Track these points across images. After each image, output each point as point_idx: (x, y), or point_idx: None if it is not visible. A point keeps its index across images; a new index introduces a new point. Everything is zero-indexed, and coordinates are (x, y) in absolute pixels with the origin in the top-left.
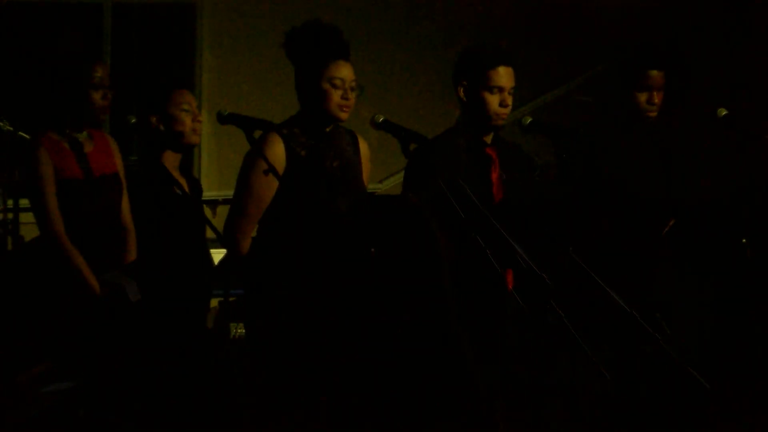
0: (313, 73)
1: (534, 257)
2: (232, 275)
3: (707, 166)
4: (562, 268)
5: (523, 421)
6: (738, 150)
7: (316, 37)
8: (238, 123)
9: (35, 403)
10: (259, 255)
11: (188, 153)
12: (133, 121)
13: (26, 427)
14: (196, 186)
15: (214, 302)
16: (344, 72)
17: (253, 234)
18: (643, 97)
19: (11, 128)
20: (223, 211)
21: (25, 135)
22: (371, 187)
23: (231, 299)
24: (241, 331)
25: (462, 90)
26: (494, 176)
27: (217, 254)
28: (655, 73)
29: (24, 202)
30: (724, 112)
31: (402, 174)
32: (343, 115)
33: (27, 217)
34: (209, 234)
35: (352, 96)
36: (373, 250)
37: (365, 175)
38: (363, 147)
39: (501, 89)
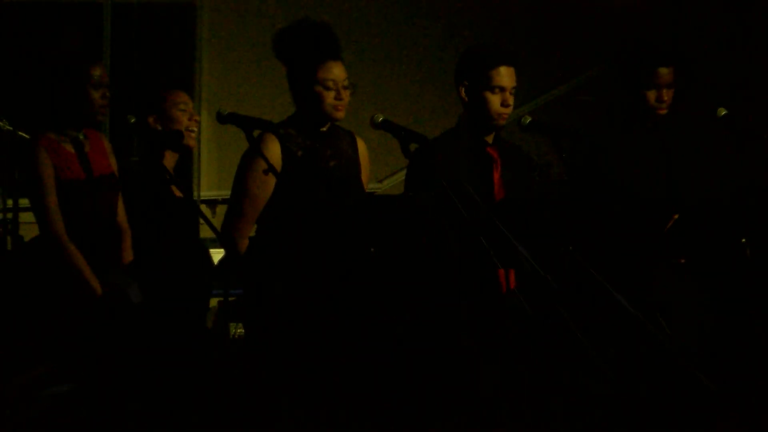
0: (305, 74)
1: (536, 257)
2: (231, 275)
3: (708, 166)
4: (563, 268)
5: (523, 421)
6: (738, 150)
7: (303, 39)
8: (237, 123)
9: (34, 405)
10: (257, 255)
11: (187, 153)
12: (133, 120)
13: (26, 428)
14: (188, 187)
15: (213, 302)
16: (335, 72)
17: (252, 234)
18: (652, 95)
19: (11, 128)
20: (222, 210)
21: (24, 135)
22: (371, 186)
23: (231, 299)
24: (241, 331)
25: (464, 90)
26: (496, 176)
27: (217, 254)
28: (664, 70)
29: (24, 202)
30: (723, 111)
31: (402, 174)
32: (339, 115)
33: (27, 217)
34: (209, 234)
35: (345, 95)
36: (373, 249)
37: (365, 175)
38: (362, 147)
39: (502, 89)
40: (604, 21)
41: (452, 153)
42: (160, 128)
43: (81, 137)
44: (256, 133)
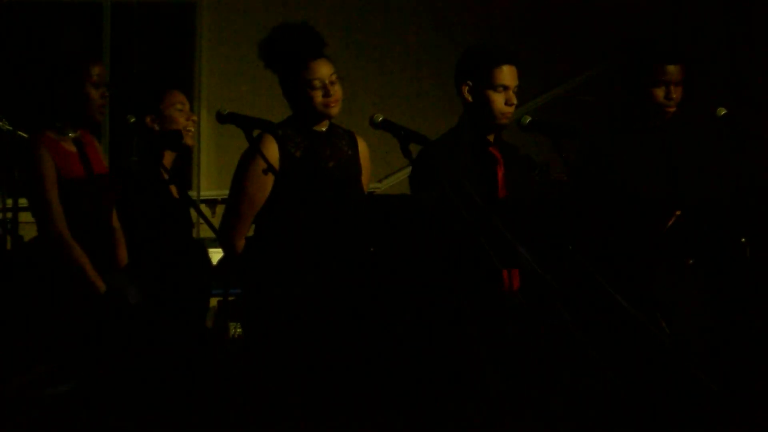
0: (292, 78)
1: (539, 257)
2: (231, 275)
3: (709, 167)
4: (564, 268)
5: (523, 421)
6: (738, 150)
7: (286, 42)
8: (237, 122)
9: (34, 405)
10: (255, 254)
11: (186, 152)
12: (132, 120)
13: (26, 428)
14: (182, 184)
15: (213, 302)
16: (321, 71)
17: (250, 233)
18: (660, 93)
19: (10, 127)
20: (222, 210)
21: (24, 134)
22: (371, 186)
23: (230, 299)
24: (241, 330)
25: (466, 89)
26: (500, 175)
27: (216, 254)
28: (672, 67)
29: (24, 202)
30: (723, 111)
31: (401, 174)
32: (332, 111)
33: (26, 217)
34: (209, 233)
35: (334, 90)
36: (372, 249)
37: (365, 175)
38: (362, 147)
39: (506, 88)
40: (604, 21)
41: (455, 153)
42: (157, 128)
43: (77, 136)
44: (255, 133)
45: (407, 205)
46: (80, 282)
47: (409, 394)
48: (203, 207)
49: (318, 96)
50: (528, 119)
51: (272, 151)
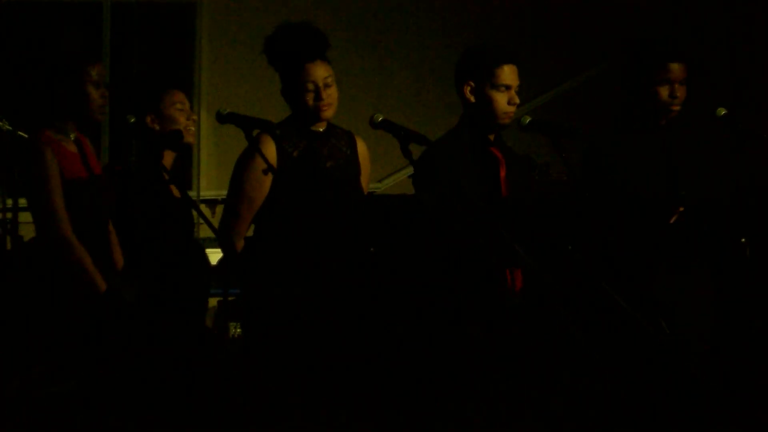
0: (290, 77)
1: (540, 256)
2: (230, 275)
3: (710, 167)
4: (564, 268)
5: (524, 422)
6: (738, 150)
7: (287, 41)
8: (237, 122)
9: (34, 405)
10: (254, 255)
11: (186, 152)
12: (132, 120)
13: (26, 428)
14: (182, 184)
15: (213, 302)
16: (316, 73)
17: (250, 233)
18: (665, 91)
19: (10, 128)
20: (221, 210)
21: (23, 134)
22: (371, 186)
23: (230, 299)
24: (240, 330)
25: (468, 90)
26: (502, 175)
27: (216, 254)
28: (676, 66)
29: (24, 202)
30: (723, 111)
31: (402, 173)
32: (325, 114)
33: (26, 217)
34: (208, 233)
35: (327, 93)
36: (372, 249)
37: (365, 176)
38: (361, 147)
39: (508, 87)
40: (604, 21)
41: (458, 154)
42: (158, 128)
43: (74, 137)
44: (255, 133)
45: (407, 205)
46: (81, 282)
47: (409, 394)
48: (203, 207)
49: (310, 99)
50: (528, 119)
51: (270, 150)
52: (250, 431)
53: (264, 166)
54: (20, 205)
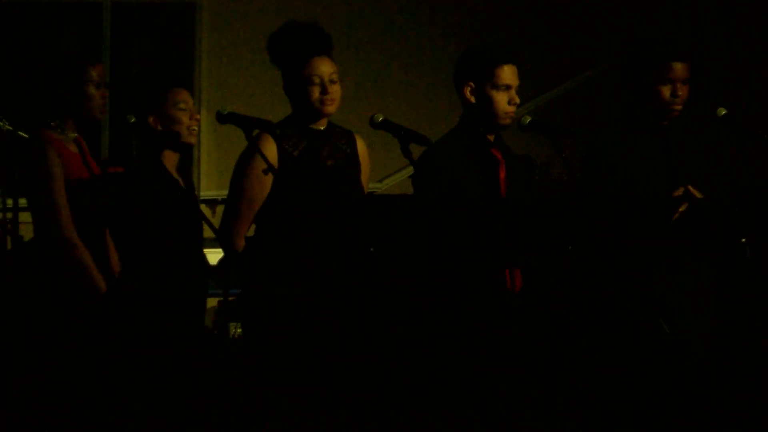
0: (294, 72)
1: (539, 256)
2: (230, 275)
3: (710, 167)
4: (564, 268)
5: (524, 421)
6: (738, 150)
7: (293, 37)
8: (237, 122)
9: (34, 405)
10: (255, 254)
11: (188, 152)
12: (133, 120)
13: (26, 428)
14: (190, 186)
15: (213, 302)
16: (322, 68)
17: (250, 233)
18: (667, 91)
19: (10, 128)
20: (222, 210)
21: (24, 134)
22: (371, 186)
23: (230, 299)
24: (240, 330)
25: (468, 90)
26: (502, 176)
27: (216, 254)
28: (678, 65)
29: (24, 202)
30: (723, 111)
31: (401, 174)
32: (328, 109)
33: (26, 217)
34: (208, 233)
35: (333, 89)
36: (372, 249)
37: (365, 175)
38: (361, 147)
39: (508, 87)
40: (604, 21)
41: (458, 155)
42: (160, 128)
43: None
44: (255, 133)
45: (407, 205)
46: (82, 282)
47: (409, 395)
48: (203, 207)
49: (315, 92)
50: (528, 119)
51: (270, 150)
52: (250, 431)
53: (265, 165)
54: (20, 205)
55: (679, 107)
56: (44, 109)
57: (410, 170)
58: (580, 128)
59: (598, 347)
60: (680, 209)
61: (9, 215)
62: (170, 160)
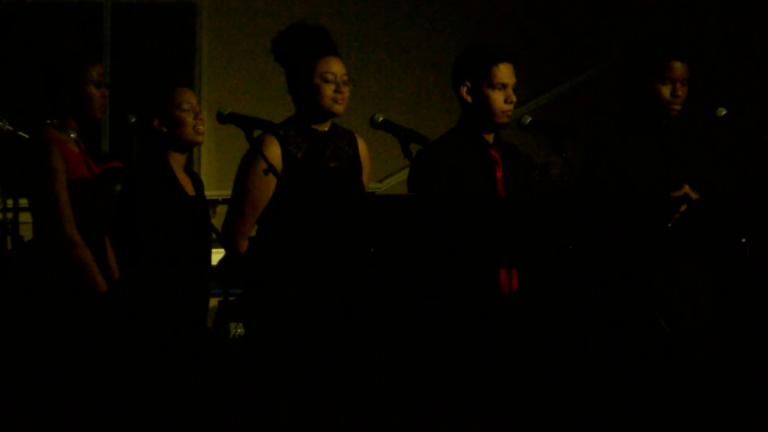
0: (305, 70)
1: (537, 256)
2: (231, 275)
3: (710, 167)
4: (564, 267)
5: (524, 421)
6: (738, 150)
7: (303, 36)
8: (237, 123)
9: (34, 405)
10: (258, 255)
11: (189, 152)
12: (133, 120)
13: (26, 428)
14: (199, 185)
15: (213, 302)
16: (335, 67)
17: (253, 234)
18: (666, 90)
19: (11, 128)
20: (222, 210)
21: (24, 134)
22: (371, 186)
23: (231, 299)
24: (241, 330)
25: (465, 90)
26: (499, 176)
27: (217, 254)
28: (678, 64)
29: (24, 202)
30: (723, 111)
31: (402, 174)
32: (338, 109)
33: (26, 217)
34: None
35: (345, 90)
36: (373, 250)
37: (365, 175)
38: (362, 147)
39: (504, 86)
40: (604, 21)
41: (454, 154)
42: (165, 131)
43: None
44: (256, 133)
45: (407, 205)
46: (83, 281)
47: (410, 394)
48: None
49: (329, 90)
50: (528, 119)
51: (274, 151)
52: (250, 431)
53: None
54: (20, 205)
55: (678, 107)
56: (45, 109)
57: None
58: (580, 128)
59: (597, 347)
60: (680, 209)
61: (9, 215)
62: (177, 161)
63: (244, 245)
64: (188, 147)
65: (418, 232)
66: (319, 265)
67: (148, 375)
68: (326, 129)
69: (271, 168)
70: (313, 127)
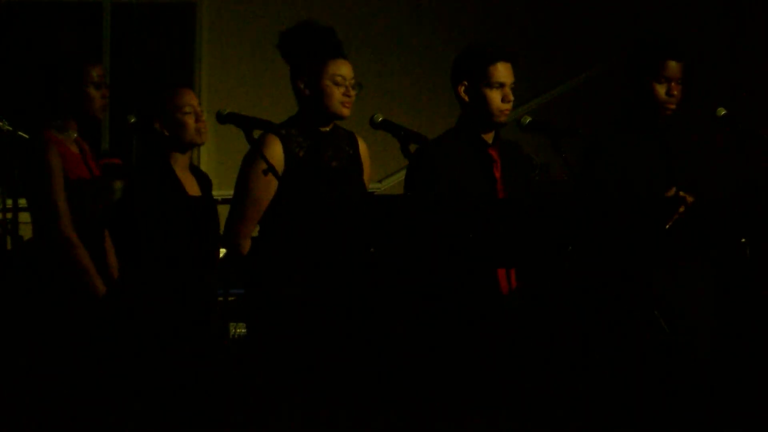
0: (314, 71)
1: (537, 256)
2: (232, 275)
3: (709, 167)
4: (563, 267)
5: (523, 421)
6: (738, 150)
7: (314, 37)
8: (237, 123)
9: (34, 405)
10: (260, 255)
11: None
12: (133, 120)
13: (26, 428)
14: (206, 184)
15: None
16: (345, 70)
17: (254, 234)
18: (662, 89)
19: (10, 128)
20: (222, 210)
21: (24, 134)
22: (371, 186)
23: (231, 299)
24: (241, 331)
25: (463, 89)
26: (497, 176)
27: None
28: (673, 63)
29: (24, 202)
30: (723, 111)
31: (402, 174)
32: (345, 112)
33: (26, 217)
34: None
35: (353, 93)
36: (373, 249)
37: (366, 175)
38: (362, 147)
39: (502, 85)
40: (604, 21)
41: (452, 153)
42: (167, 133)
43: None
44: (256, 133)
45: (407, 205)
46: (81, 282)
47: (410, 394)
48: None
49: (338, 93)
50: (528, 119)
51: (277, 151)
52: (250, 431)
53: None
54: (20, 205)
55: (672, 106)
56: (45, 109)
57: None
58: (580, 128)
59: (597, 347)
60: (680, 210)
61: (9, 215)
62: (178, 161)
63: (246, 246)
64: (189, 147)
65: (418, 232)
66: (320, 265)
67: (148, 375)
68: (328, 129)
69: (271, 168)
70: (317, 127)
